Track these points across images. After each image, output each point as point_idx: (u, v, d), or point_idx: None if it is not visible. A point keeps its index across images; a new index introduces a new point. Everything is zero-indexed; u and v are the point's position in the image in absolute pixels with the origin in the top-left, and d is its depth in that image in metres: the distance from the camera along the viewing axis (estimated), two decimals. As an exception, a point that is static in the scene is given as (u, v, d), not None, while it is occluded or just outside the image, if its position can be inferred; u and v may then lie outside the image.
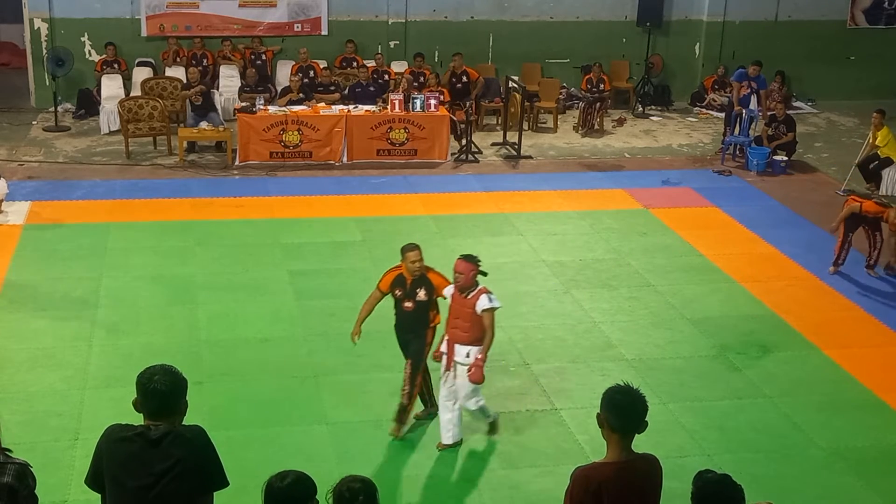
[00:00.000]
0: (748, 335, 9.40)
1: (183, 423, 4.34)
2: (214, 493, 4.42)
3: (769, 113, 15.44)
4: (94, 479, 4.33)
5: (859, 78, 19.42)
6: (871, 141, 13.89)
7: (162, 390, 4.20)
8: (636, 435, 4.34)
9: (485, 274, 7.19)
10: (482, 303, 7.05)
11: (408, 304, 7.47)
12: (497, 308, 7.14)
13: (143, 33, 17.08)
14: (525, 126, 15.99)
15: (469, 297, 7.09)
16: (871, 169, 13.88)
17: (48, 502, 5.79)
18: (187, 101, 15.18)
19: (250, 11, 17.42)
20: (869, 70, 19.46)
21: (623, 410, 4.30)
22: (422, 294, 7.43)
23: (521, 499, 6.89)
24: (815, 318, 9.81)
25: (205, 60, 16.60)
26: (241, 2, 17.34)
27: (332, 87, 15.82)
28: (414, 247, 7.47)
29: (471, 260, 7.12)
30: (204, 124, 14.81)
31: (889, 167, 13.75)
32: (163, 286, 10.12)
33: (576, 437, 7.61)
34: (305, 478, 3.95)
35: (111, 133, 15.58)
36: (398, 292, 7.51)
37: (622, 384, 4.41)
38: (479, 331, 7.11)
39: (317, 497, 3.94)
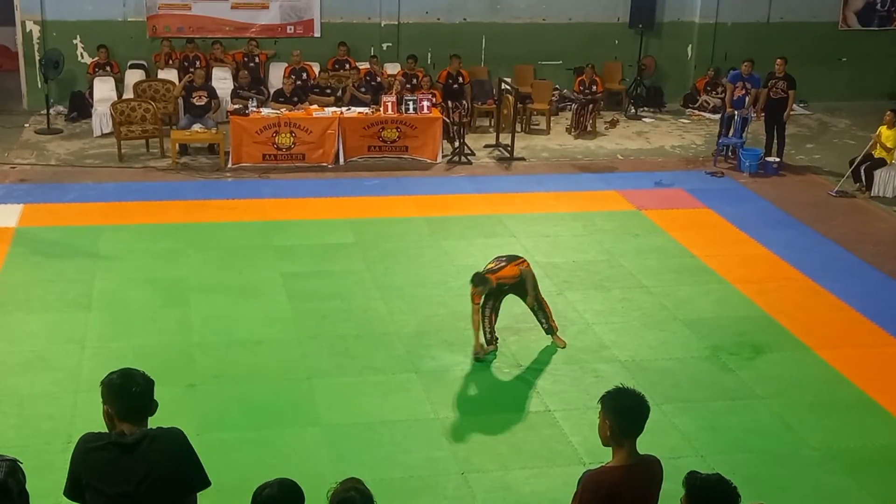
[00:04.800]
0: (741, 336, 9.41)
1: (160, 425, 4.29)
2: (200, 494, 4.38)
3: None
4: (74, 490, 4.28)
5: (851, 79, 19.49)
6: (876, 137, 13.85)
7: (143, 391, 4.17)
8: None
9: None
10: None
11: None
12: None
13: (136, 34, 17.06)
14: (518, 128, 16.00)
15: None
16: (864, 170, 13.90)
17: (40, 505, 5.76)
18: (187, 101, 15.06)
19: (242, 13, 17.41)
20: (861, 71, 19.53)
21: (632, 414, 4.31)
22: None
23: (514, 500, 6.88)
24: (807, 319, 9.83)
25: (197, 62, 16.57)
26: (234, 4, 17.34)
27: (329, 91, 15.81)
28: None
29: None
30: (197, 126, 14.78)
31: (881, 168, 13.79)
32: (155, 288, 10.10)
33: (569, 438, 7.61)
34: (292, 486, 3.95)
35: (103, 135, 15.54)
36: None
37: (621, 387, 4.41)
38: None
39: None
